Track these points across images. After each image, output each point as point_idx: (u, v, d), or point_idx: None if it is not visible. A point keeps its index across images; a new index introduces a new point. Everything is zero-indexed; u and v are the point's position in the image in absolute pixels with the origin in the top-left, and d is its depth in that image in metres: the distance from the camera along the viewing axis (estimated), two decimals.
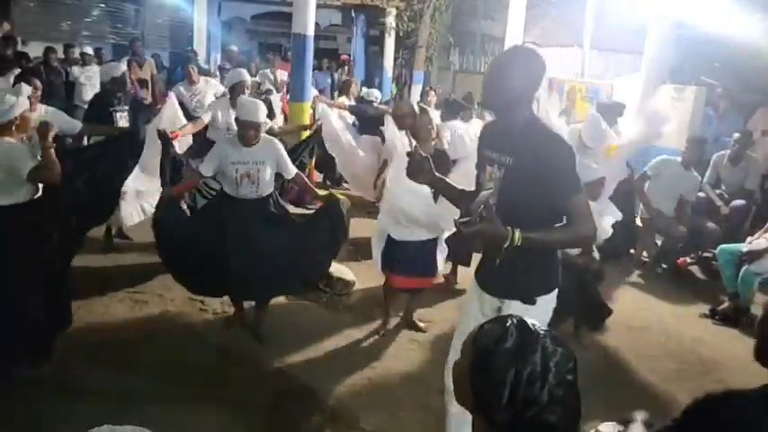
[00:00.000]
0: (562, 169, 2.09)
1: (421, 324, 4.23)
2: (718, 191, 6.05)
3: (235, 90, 5.06)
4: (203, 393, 3.28)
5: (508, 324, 1.16)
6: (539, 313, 2.20)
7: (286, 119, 7.58)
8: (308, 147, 5.24)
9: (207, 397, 3.25)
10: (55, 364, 3.38)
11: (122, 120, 5.14)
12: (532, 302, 2.23)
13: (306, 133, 5.52)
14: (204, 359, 3.64)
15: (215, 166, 3.79)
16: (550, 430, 1.10)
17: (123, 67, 5.67)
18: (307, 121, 6.40)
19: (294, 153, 5.25)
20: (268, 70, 9.00)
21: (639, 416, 1.80)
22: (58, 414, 2.99)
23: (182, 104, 6.63)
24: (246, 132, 3.72)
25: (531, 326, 1.16)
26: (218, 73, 10.06)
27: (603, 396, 3.47)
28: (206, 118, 5.04)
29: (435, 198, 3.77)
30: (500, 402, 1.10)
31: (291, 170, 3.98)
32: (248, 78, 5.24)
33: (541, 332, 1.15)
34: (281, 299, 4.60)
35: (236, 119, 3.83)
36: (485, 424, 1.15)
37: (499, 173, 2.20)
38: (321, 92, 9.77)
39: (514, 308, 2.21)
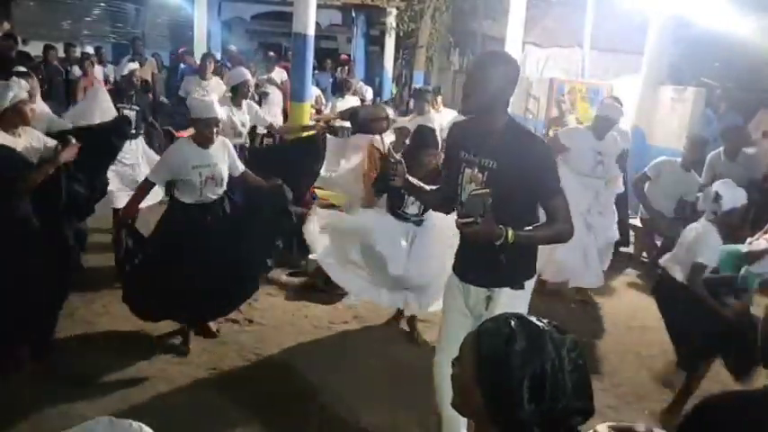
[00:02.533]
0: (546, 171, 2.27)
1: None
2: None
3: (238, 90, 5.01)
4: (202, 392, 3.29)
5: (513, 324, 1.15)
6: (525, 295, 2.41)
7: (286, 118, 7.57)
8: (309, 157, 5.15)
9: (206, 396, 3.26)
10: (56, 360, 3.40)
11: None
12: (521, 287, 2.40)
13: (308, 133, 5.45)
14: (203, 358, 3.64)
15: (169, 175, 3.58)
16: (577, 415, 1.12)
17: (131, 65, 5.66)
18: (307, 120, 6.39)
19: (299, 151, 5.17)
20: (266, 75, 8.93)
21: (640, 426, 1.77)
22: (58, 407, 3.01)
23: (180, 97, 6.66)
24: (209, 130, 3.54)
25: (533, 321, 1.17)
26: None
27: (603, 396, 3.48)
28: None
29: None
30: (521, 401, 1.10)
31: (240, 167, 3.82)
32: (251, 77, 5.22)
33: (545, 325, 1.16)
34: (280, 299, 4.61)
35: (197, 119, 3.57)
36: (490, 427, 1.15)
37: (482, 176, 2.28)
38: (323, 91, 9.77)
39: (504, 294, 2.35)
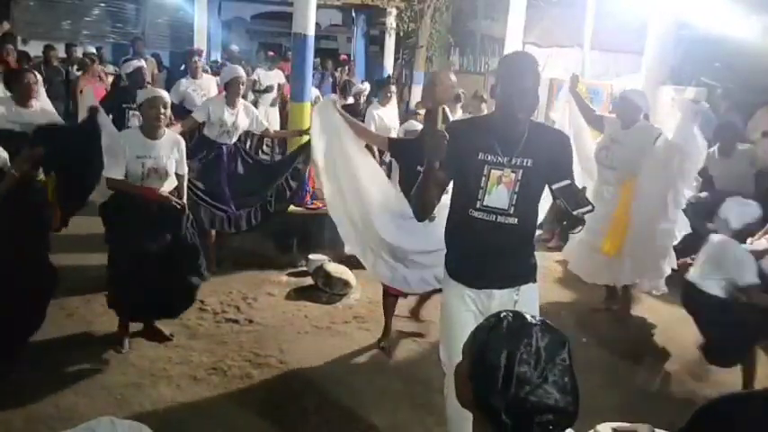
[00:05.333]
0: (571, 161, 2.40)
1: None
2: (704, 193, 6.00)
3: (231, 87, 4.98)
4: (202, 392, 3.29)
5: (503, 315, 1.21)
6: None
7: (284, 120, 7.57)
8: (304, 152, 5.13)
9: (206, 396, 3.26)
10: (57, 360, 3.41)
11: (134, 118, 5.10)
12: (536, 280, 2.48)
13: (302, 139, 5.41)
14: (203, 358, 3.64)
15: (123, 162, 3.49)
16: (548, 412, 1.12)
17: (137, 63, 5.64)
18: (307, 122, 6.36)
19: (292, 159, 5.15)
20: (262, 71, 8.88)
21: (642, 429, 1.77)
22: (58, 407, 3.02)
23: (181, 101, 6.63)
24: (155, 111, 3.47)
25: (525, 316, 1.21)
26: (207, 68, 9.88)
27: (604, 396, 3.47)
28: (199, 117, 4.90)
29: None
30: (495, 386, 1.13)
31: (184, 169, 3.82)
32: (243, 74, 5.19)
33: (534, 321, 1.19)
34: (280, 299, 4.61)
35: (140, 105, 3.57)
36: (484, 420, 1.17)
37: (514, 175, 2.29)
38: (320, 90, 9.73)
39: (530, 289, 2.42)
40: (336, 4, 14.47)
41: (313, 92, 7.34)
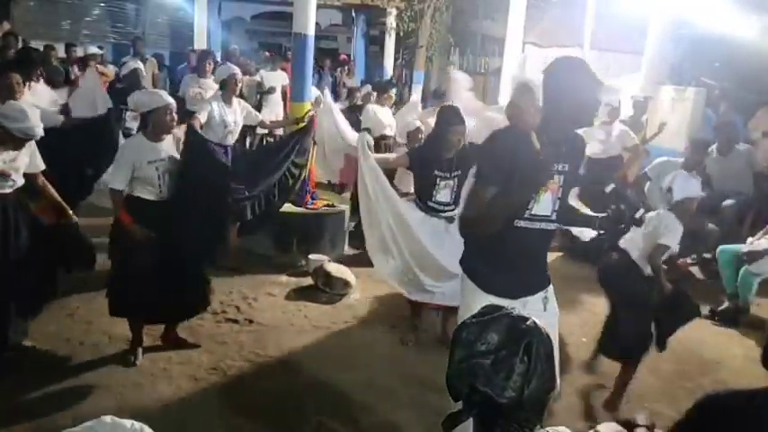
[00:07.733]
0: None
1: None
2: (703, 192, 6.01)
3: (226, 85, 4.96)
4: (202, 393, 3.29)
5: (488, 311, 1.27)
6: None
7: None
8: (297, 144, 4.79)
9: (206, 396, 3.26)
10: (56, 360, 3.41)
11: (131, 119, 5.10)
12: None
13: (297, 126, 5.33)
14: (203, 358, 3.64)
15: (129, 173, 3.35)
16: (496, 410, 1.18)
17: (133, 64, 5.66)
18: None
19: (282, 149, 4.99)
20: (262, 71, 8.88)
21: (641, 418, 1.80)
22: (58, 407, 3.03)
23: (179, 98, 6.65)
24: (169, 117, 3.41)
25: (500, 314, 1.26)
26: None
27: (604, 396, 3.47)
28: (202, 117, 4.81)
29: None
30: (459, 376, 1.25)
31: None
32: (239, 73, 5.18)
33: (503, 314, 1.24)
34: (280, 299, 4.61)
35: (149, 112, 3.39)
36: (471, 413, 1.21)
37: (558, 180, 2.29)
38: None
39: (552, 289, 2.45)
40: (336, 4, 14.48)
41: (313, 92, 7.34)
